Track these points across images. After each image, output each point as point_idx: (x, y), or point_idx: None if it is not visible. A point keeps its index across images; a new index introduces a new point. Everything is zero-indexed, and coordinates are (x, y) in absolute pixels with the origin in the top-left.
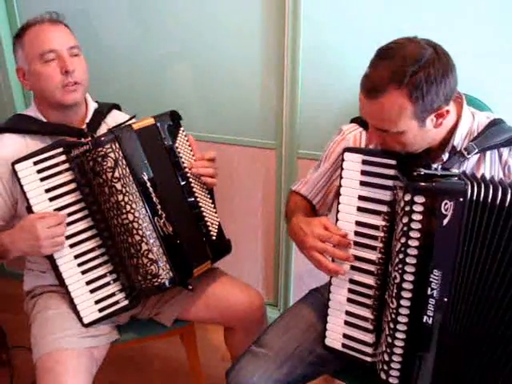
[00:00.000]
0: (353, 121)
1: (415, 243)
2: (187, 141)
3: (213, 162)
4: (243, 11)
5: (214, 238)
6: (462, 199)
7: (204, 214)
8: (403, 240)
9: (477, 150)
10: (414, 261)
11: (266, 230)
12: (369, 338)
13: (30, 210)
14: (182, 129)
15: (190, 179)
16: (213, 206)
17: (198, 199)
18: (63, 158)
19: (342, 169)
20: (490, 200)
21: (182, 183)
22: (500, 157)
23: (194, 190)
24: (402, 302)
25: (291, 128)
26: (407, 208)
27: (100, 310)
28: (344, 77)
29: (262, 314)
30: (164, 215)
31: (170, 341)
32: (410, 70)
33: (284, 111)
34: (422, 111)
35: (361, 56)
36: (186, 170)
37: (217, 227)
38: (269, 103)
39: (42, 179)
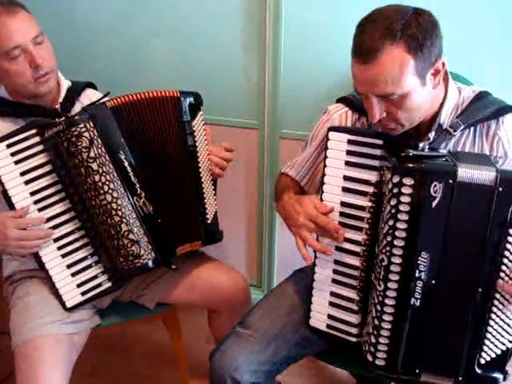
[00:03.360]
0: (339, 101)
1: (403, 226)
2: (203, 125)
3: (229, 153)
4: None
5: (208, 221)
6: (451, 181)
7: (205, 195)
8: (391, 222)
9: (463, 127)
10: (401, 243)
11: (248, 211)
12: (354, 318)
13: (5, 194)
14: (201, 112)
15: (199, 160)
16: (214, 192)
17: (203, 180)
18: (37, 139)
19: (327, 148)
20: (476, 180)
21: (192, 158)
22: (488, 130)
23: (201, 170)
24: (390, 285)
25: (273, 108)
26: (395, 190)
27: (83, 294)
28: (327, 56)
29: (246, 297)
30: (143, 194)
31: (152, 324)
32: (399, 23)
33: (266, 91)
34: (422, 65)
35: (344, 34)
36: (198, 149)
37: (213, 213)
38: (251, 83)
39: (17, 162)
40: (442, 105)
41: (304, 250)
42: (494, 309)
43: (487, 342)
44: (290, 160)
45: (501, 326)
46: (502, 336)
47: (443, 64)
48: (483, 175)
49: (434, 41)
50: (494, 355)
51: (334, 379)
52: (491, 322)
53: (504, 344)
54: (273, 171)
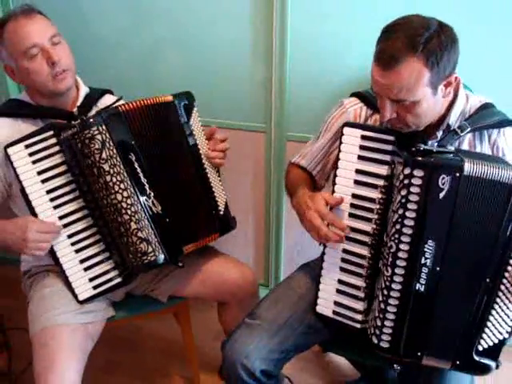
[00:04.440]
0: (353, 95)
1: (412, 215)
2: (199, 121)
3: (224, 143)
4: (233, 1)
5: (221, 213)
6: (458, 174)
7: (213, 189)
8: (401, 211)
9: (469, 129)
10: (410, 231)
11: (256, 213)
12: (359, 305)
13: (23, 191)
14: (195, 109)
15: (202, 156)
16: (220, 183)
17: (209, 175)
18: (54, 140)
19: (341, 143)
20: (482, 175)
21: (195, 158)
22: (489, 137)
23: (205, 166)
24: (397, 270)
25: (280, 111)
26: (406, 181)
27: (94, 288)
28: (332, 60)
29: (255, 289)
30: (153, 194)
31: (163, 321)
32: (422, 37)
33: (273, 95)
34: (436, 78)
35: (349, 39)
36: (199, 146)
37: (224, 204)
38: (258, 87)
39: (34, 162)
40: (450, 107)
41: (328, 232)
42: (498, 299)
43: (487, 330)
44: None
45: (501, 317)
46: (501, 326)
47: (455, 78)
48: (500, 172)
49: (450, 57)
50: (491, 343)
51: (339, 373)
52: (493, 312)
53: (501, 334)
54: (279, 172)
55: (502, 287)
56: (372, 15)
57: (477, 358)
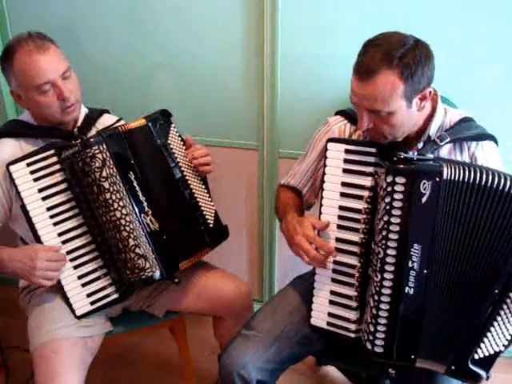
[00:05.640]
0: (338, 113)
1: (397, 220)
2: (179, 136)
3: (202, 149)
4: (225, 22)
5: (211, 225)
6: (438, 179)
7: (200, 204)
8: (386, 218)
9: (449, 139)
10: (395, 236)
11: (249, 229)
12: (352, 315)
13: (24, 208)
14: (173, 125)
15: (185, 172)
16: (208, 195)
17: (194, 191)
18: (55, 159)
19: (326, 157)
20: (462, 179)
21: (177, 177)
22: (469, 149)
23: (189, 182)
24: (386, 275)
25: (272, 129)
26: (389, 188)
27: (92, 303)
28: (320, 80)
29: (250, 303)
30: (150, 212)
31: (160, 337)
32: (398, 52)
33: (264, 114)
34: (410, 91)
35: (335, 60)
36: (180, 164)
37: (213, 215)
38: (250, 107)
39: (35, 179)
40: (429, 120)
41: (316, 255)
42: (502, 312)
43: (486, 340)
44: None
45: (501, 329)
46: (499, 338)
47: (430, 92)
48: (467, 174)
49: (424, 71)
50: (487, 354)
51: None
52: (495, 323)
53: (498, 346)
54: (272, 188)
55: (508, 300)
56: (360, 38)
57: (471, 366)
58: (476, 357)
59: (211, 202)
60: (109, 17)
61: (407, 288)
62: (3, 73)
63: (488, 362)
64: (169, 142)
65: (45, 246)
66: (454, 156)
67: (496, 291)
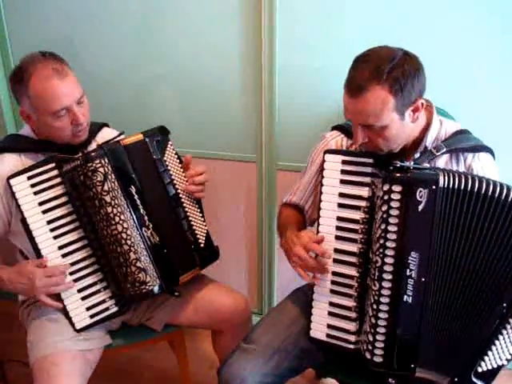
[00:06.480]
0: (334, 128)
1: (394, 228)
2: (176, 154)
3: (202, 175)
4: (223, 37)
5: (202, 245)
6: (434, 187)
7: (192, 223)
8: (383, 226)
9: (445, 150)
10: (393, 245)
11: (248, 241)
12: (352, 326)
13: (24, 221)
14: (170, 143)
15: (179, 190)
16: (201, 215)
17: (186, 209)
18: (55, 172)
19: (324, 169)
20: (458, 187)
21: (171, 194)
22: (465, 160)
23: (183, 200)
24: (384, 284)
25: (270, 142)
26: (386, 197)
27: (91, 316)
28: (318, 93)
29: (248, 316)
30: (151, 226)
31: (159, 351)
32: (387, 67)
33: (263, 127)
34: (401, 104)
35: (333, 74)
36: (175, 181)
37: (204, 235)
38: (248, 120)
39: (36, 193)
40: (425, 131)
41: (302, 272)
42: (508, 325)
43: (490, 353)
44: (286, 190)
45: (506, 343)
46: (503, 352)
47: (422, 104)
48: (463, 182)
49: (414, 84)
50: (490, 367)
51: None
52: (500, 337)
53: (501, 360)
54: (271, 200)
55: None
56: (358, 50)
57: (474, 379)
58: (479, 370)
59: (204, 222)
60: (108, 31)
61: (405, 296)
62: (14, 93)
63: (490, 376)
64: (165, 158)
65: (37, 261)
66: (451, 167)
67: (504, 304)
